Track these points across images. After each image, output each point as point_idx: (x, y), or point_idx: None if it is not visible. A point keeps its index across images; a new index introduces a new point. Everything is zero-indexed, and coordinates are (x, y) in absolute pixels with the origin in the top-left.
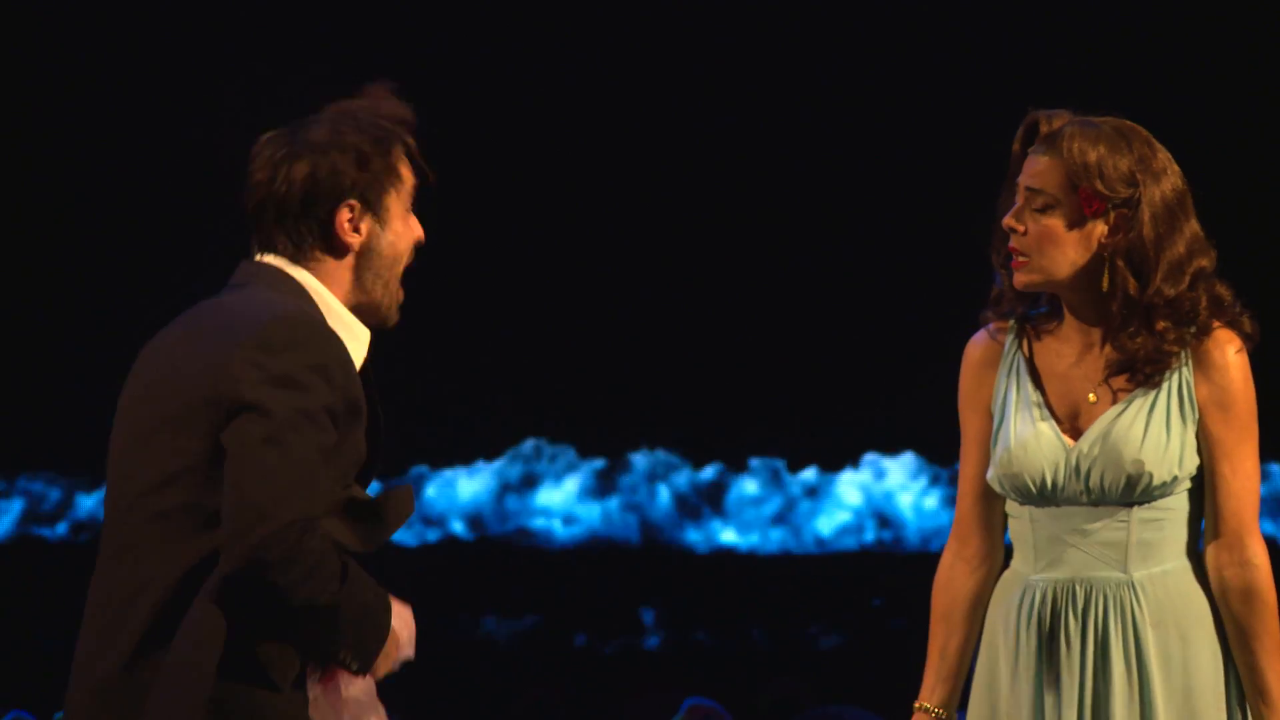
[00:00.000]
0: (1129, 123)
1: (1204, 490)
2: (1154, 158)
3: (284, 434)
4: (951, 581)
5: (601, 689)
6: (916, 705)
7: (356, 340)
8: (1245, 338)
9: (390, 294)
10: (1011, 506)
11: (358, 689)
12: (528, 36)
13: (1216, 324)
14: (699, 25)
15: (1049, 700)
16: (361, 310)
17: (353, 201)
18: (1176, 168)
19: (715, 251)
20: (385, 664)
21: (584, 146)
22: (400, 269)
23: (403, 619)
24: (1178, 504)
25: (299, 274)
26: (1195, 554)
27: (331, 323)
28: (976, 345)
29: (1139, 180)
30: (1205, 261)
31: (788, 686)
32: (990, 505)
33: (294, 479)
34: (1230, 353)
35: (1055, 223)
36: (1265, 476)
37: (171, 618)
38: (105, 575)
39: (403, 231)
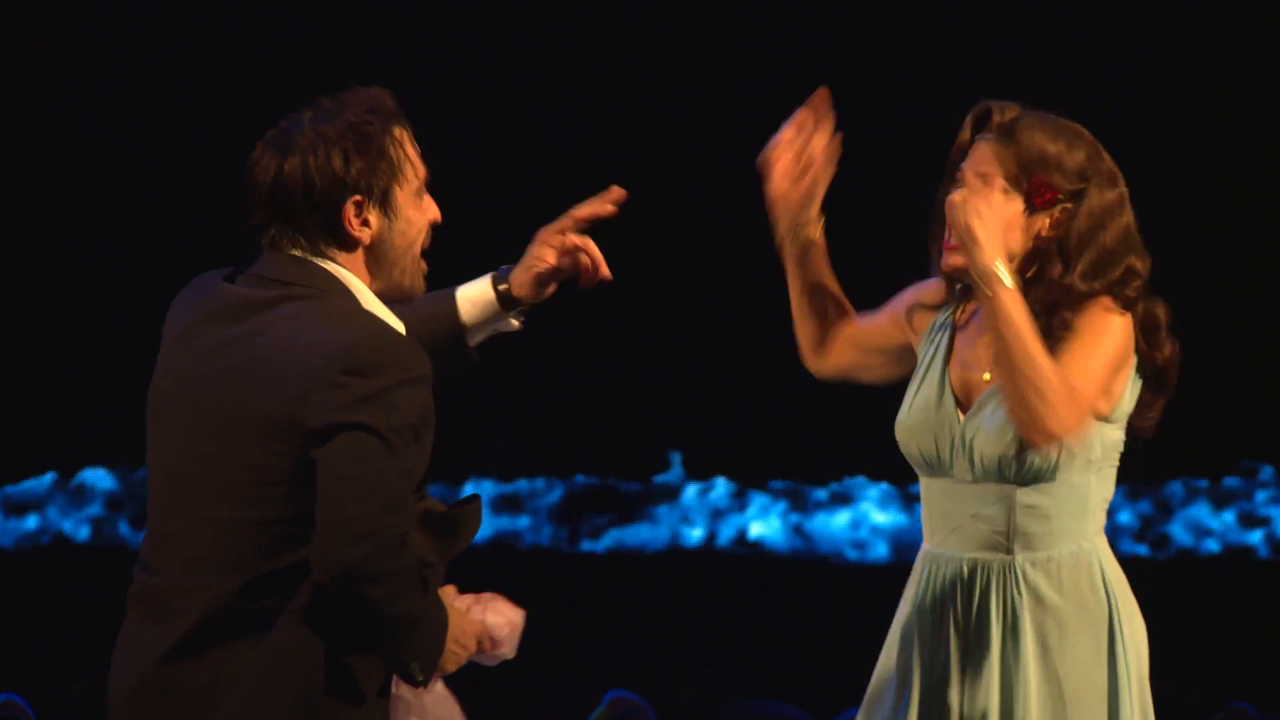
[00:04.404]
0: (1076, 124)
1: (1102, 475)
2: (1100, 158)
3: (381, 453)
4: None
5: (523, 683)
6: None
7: None
8: (1126, 304)
9: (410, 273)
10: (921, 478)
11: (438, 689)
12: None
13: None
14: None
15: (936, 675)
16: (384, 292)
17: (357, 197)
18: (1118, 170)
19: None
20: (453, 662)
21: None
22: (415, 253)
23: (511, 621)
24: (1067, 488)
25: (328, 265)
26: (1089, 541)
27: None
28: (930, 285)
29: (1089, 177)
30: (1136, 260)
31: (711, 680)
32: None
33: (391, 496)
34: (1098, 310)
35: (1000, 209)
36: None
37: (228, 626)
38: (157, 584)
39: (414, 218)
